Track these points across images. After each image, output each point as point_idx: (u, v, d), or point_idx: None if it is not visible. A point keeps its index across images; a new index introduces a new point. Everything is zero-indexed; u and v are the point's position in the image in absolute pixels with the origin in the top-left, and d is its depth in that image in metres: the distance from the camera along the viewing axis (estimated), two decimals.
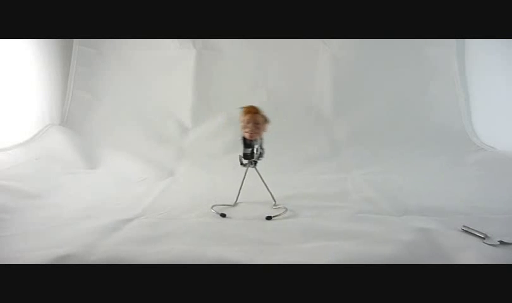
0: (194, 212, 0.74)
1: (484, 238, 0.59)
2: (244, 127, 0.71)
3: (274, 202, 0.77)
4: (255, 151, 0.72)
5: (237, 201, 0.79)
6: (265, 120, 0.72)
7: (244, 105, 0.71)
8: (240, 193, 0.79)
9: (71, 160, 1.09)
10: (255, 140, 0.72)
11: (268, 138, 0.74)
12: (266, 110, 0.72)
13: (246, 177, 0.76)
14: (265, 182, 0.76)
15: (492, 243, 0.58)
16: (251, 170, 0.74)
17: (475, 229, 0.62)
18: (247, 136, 0.71)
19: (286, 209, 0.74)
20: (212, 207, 0.75)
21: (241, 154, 0.73)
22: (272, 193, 0.77)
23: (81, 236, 0.62)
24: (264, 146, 0.74)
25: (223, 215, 0.73)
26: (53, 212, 0.75)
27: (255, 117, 0.70)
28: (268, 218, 0.70)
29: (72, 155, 1.12)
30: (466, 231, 0.63)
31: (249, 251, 0.57)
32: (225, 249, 0.58)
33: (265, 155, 0.74)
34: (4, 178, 0.87)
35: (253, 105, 0.71)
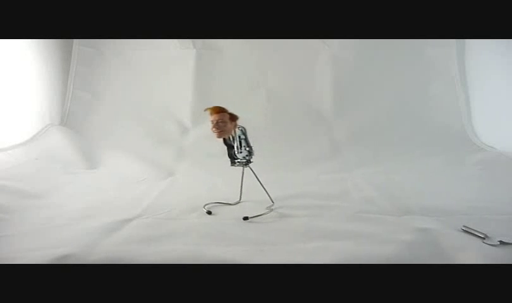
0: (194, 212, 0.74)
1: (484, 238, 0.59)
2: (212, 128, 0.70)
3: (271, 203, 0.77)
4: (235, 149, 0.72)
5: (240, 201, 0.80)
6: (232, 118, 0.71)
7: (208, 107, 0.70)
8: (241, 193, 0.79)
9: (71, 160, 1.10)
10: (231, 138, 0.72)
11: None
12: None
13: (247, 176, 0.75)
14: (262, 182, 0.75)
15: (492, 243, 0.58)
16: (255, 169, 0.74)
17: (475, 229, 0.62)
18: (215, 136, 0.71)
19: (271, 210, 0.74)
20: (204, 206, 0.75)
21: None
22: (270, 193, 0.77)
23: (81, 236, 0.62)
24: (253, 145, 0.74)
25: (209, 213, 0.73)
26: (53, 212, 0.74)
27: (219, 116, 0.69)
28: (245, 218, 0.70)
29: (72, 155, 1.12)
30: (466, 231, 0.62)
31: (249, 251, 0.57)
32: (225, 249, 0.58)
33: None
34: (4, 178, 0.87)
35: (218, 105, 0.70)
